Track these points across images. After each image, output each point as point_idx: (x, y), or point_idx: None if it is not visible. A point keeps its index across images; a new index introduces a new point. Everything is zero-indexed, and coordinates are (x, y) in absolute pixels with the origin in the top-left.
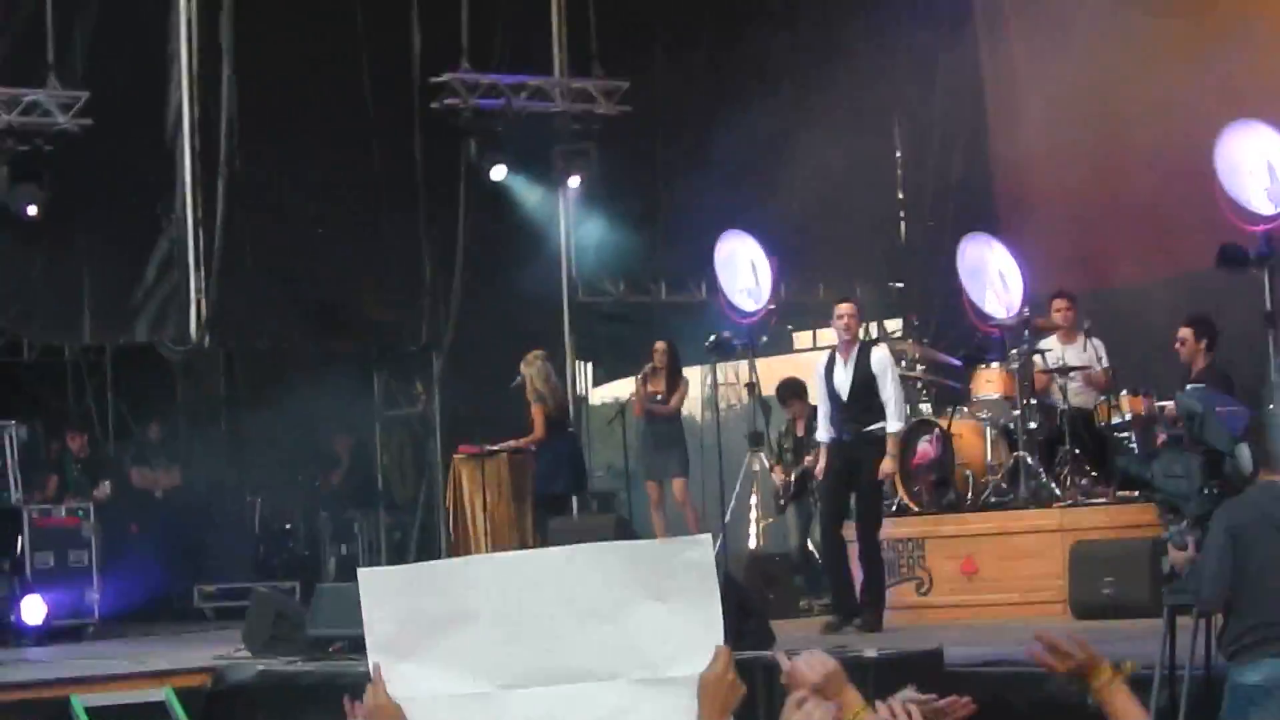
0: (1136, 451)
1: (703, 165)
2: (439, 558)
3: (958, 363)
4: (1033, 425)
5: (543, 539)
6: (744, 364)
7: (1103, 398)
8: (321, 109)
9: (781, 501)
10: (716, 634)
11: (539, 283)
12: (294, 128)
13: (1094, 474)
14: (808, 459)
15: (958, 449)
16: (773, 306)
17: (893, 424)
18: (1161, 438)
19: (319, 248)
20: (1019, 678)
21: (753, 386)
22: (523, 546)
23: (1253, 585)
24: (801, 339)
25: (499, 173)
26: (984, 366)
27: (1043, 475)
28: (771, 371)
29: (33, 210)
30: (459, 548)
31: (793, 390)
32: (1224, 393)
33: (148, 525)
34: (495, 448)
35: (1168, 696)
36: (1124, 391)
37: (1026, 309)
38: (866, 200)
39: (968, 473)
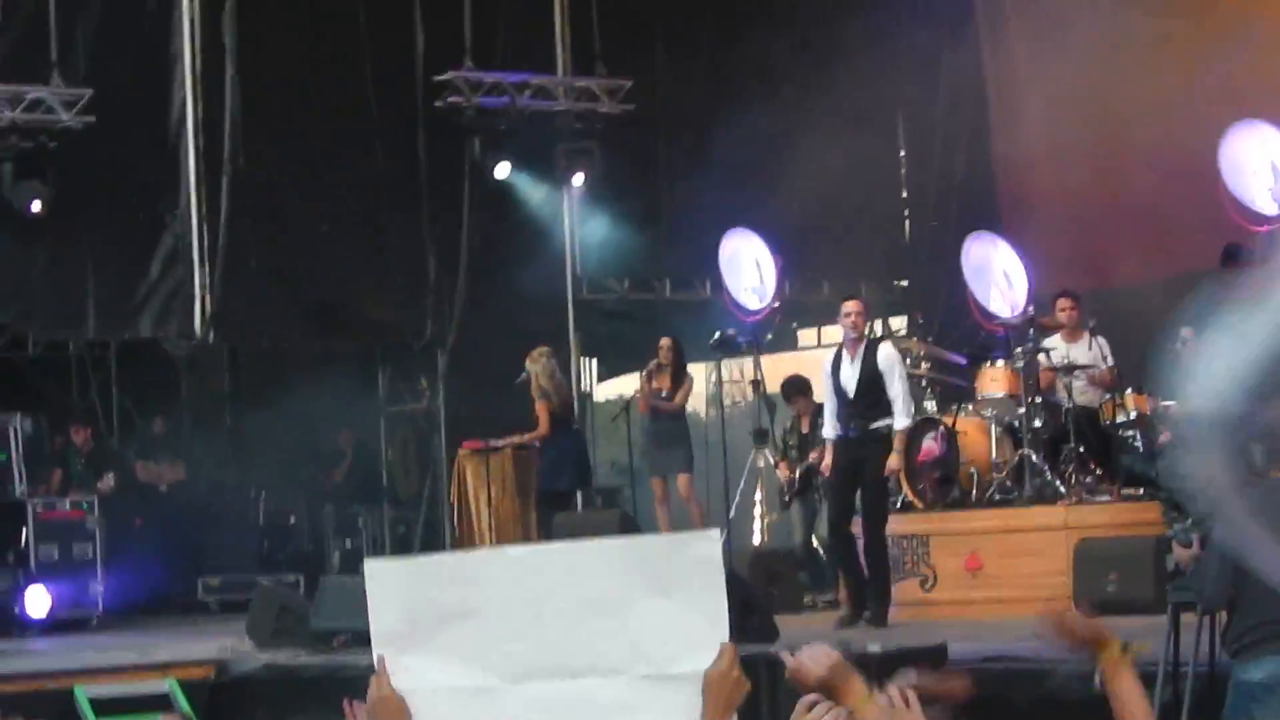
0: (1141, 450)
1: (706, 163)
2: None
3: (962, 361)
4: (1037, 423)
5: (547, 535)
6: (748, 361)
7: (1108, 396)
8: (325, 107)
9: (786, 498)
10: (722, 630)
11: (543, 280)
12: (297, 126)
13: (1098, 472)
14: (812, 455)
15: (962, 446)
16: (777, 304)
17: (900, 420)
18: (1165, 436)
19: (323, 245)
20: (1022, 674)
21: (757, 383)
22: (526, 542)
23: (1257, 583)
24: (806, 336)
25: (502, 171)
26: (989, 365)
27: (1047, 473)
28: (776, 368)
29: (37, 207)
30: (463, 543)
31: (797, 387)
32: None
33: (152, 519)
34: (500, 443)
35: (1171, 693)
36: (1129, 390)
37: (1031, 308)
38: (870, 198)
39: (972, 470)
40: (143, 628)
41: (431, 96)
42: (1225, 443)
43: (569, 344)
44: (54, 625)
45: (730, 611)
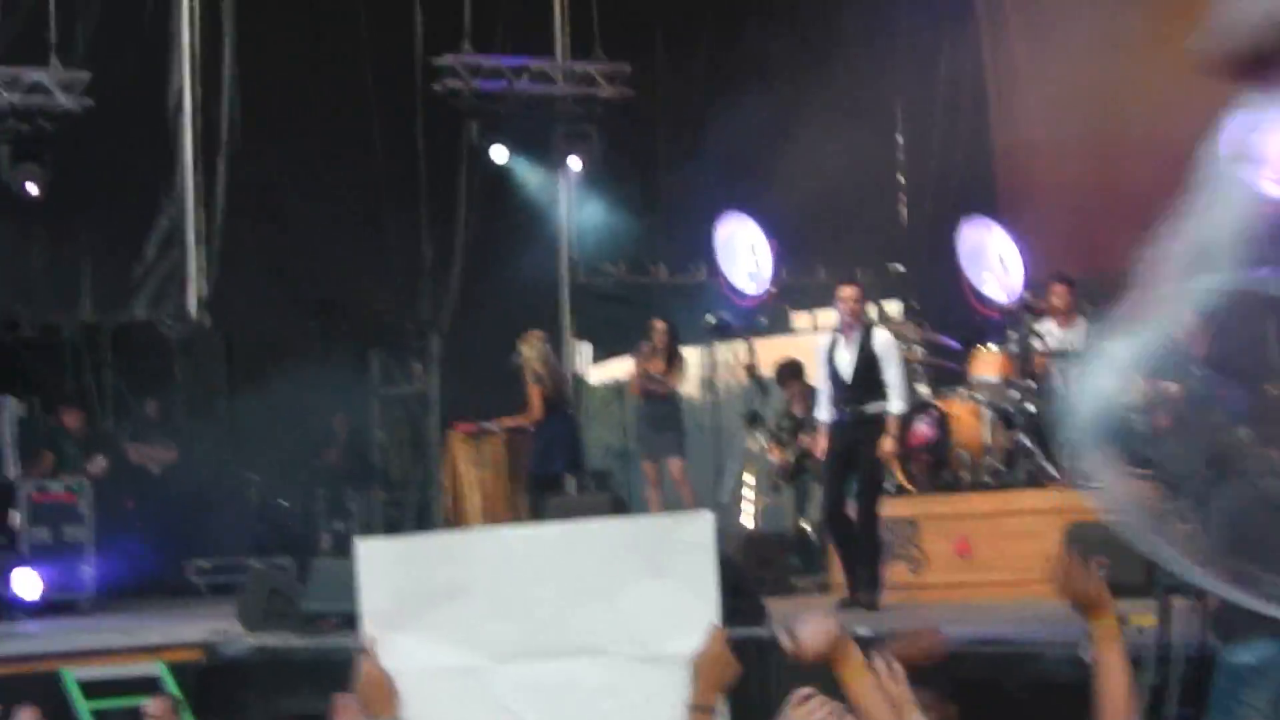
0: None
1: (704, 148)
2: None
3: (956, 345)
4: (1030, 407)
5: (538, 518)
6: (742, 345)
7: None
8: (323, 91)
9: (778, 481)
10: (712, 612)
11: (539, 264)
12: (295, 109)
13: None
14: (805, 439)
15: (955, 430)
16: (772, 289)
17: (895, 405)
18: (1162, 420)
19: (318, 229)
20: (1012, 657)
21: (751, 367)
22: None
23: None
24: (800, 320)
25: (500, 155)
26: (983, 349)
27: (1039, 457)
28: (770, 352)
29: (34, 189)
30: (454, 526)
31: (791, 371)
32: (1225, 374)
33: (144, 502)
34: (492, 426)
35: (1161, 676)
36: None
37: (1026, 292)
38: (867, 183)
39: (964, 454)
40: (133, 610)
41: (429, 80)
42: (1113, 441)
43: (564, 327)
44: (44, 608)
45: (720, 594)
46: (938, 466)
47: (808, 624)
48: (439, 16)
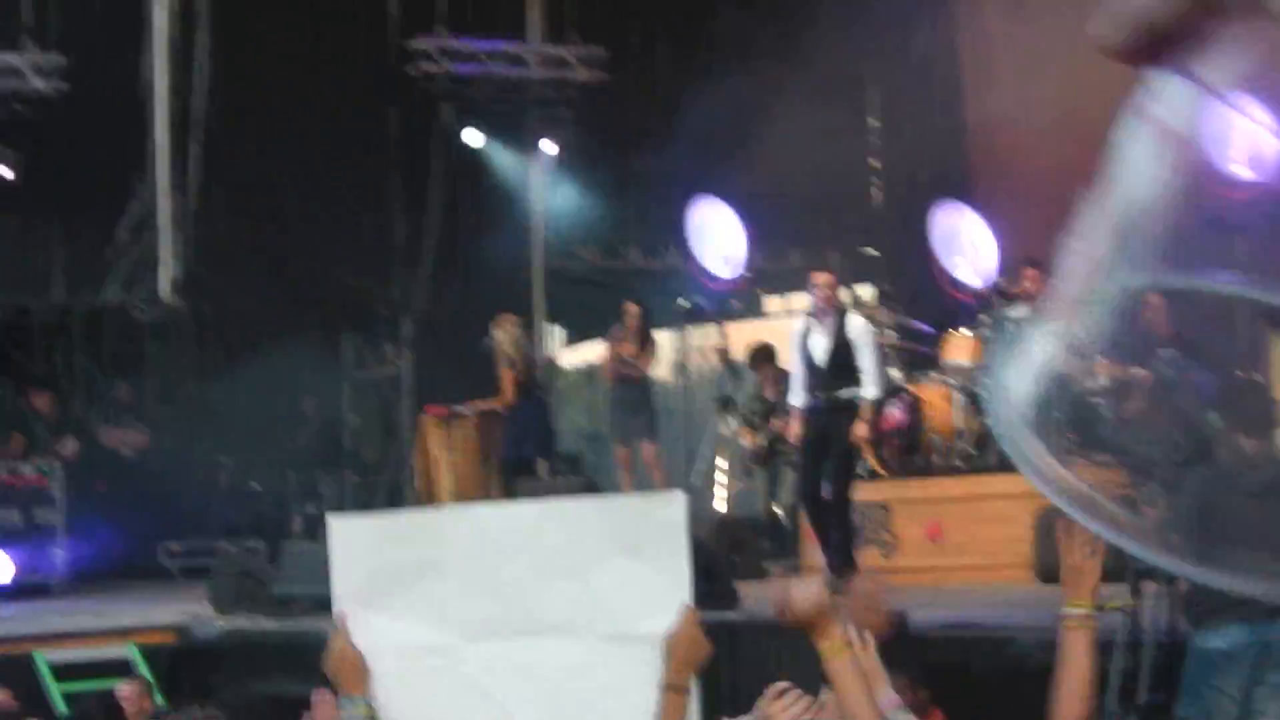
0: (1107, 417)
1: (676, 131)
2: None
3: (929, 329)
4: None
5: None
6: (714, 328)
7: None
8: (296, 74)
9: (750, 465)
10: (684, 591)
11: (511, 247)
12: (269, 92)
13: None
14: (777, 423)
15: (926, 414)
16: (746, 273)
17: (870, 391)
18: (1130, 405)
19: (291, 211)
20: (983, 641)
21: (723, 351)
22: None
23: None
24: (772, 304)
25: (474, 138)
26: (955, 333)
27: None
28: (742, 336)
29: (8, 172)
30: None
31: (762, 355)
32: (1191, 358)
33: (116, 484)
34: (464, 409)
35: (1132, 661)
36: (1099, 356)
37: (998, 277)
38: (839, 166)
39: (935, 438)
40: (105, 593)
41: (403, 63)
42: (1074, 426)
43: (536, 310)
44: (16, 591)
45: (693, 574)
46: (909, 451)
47: (800, 586)
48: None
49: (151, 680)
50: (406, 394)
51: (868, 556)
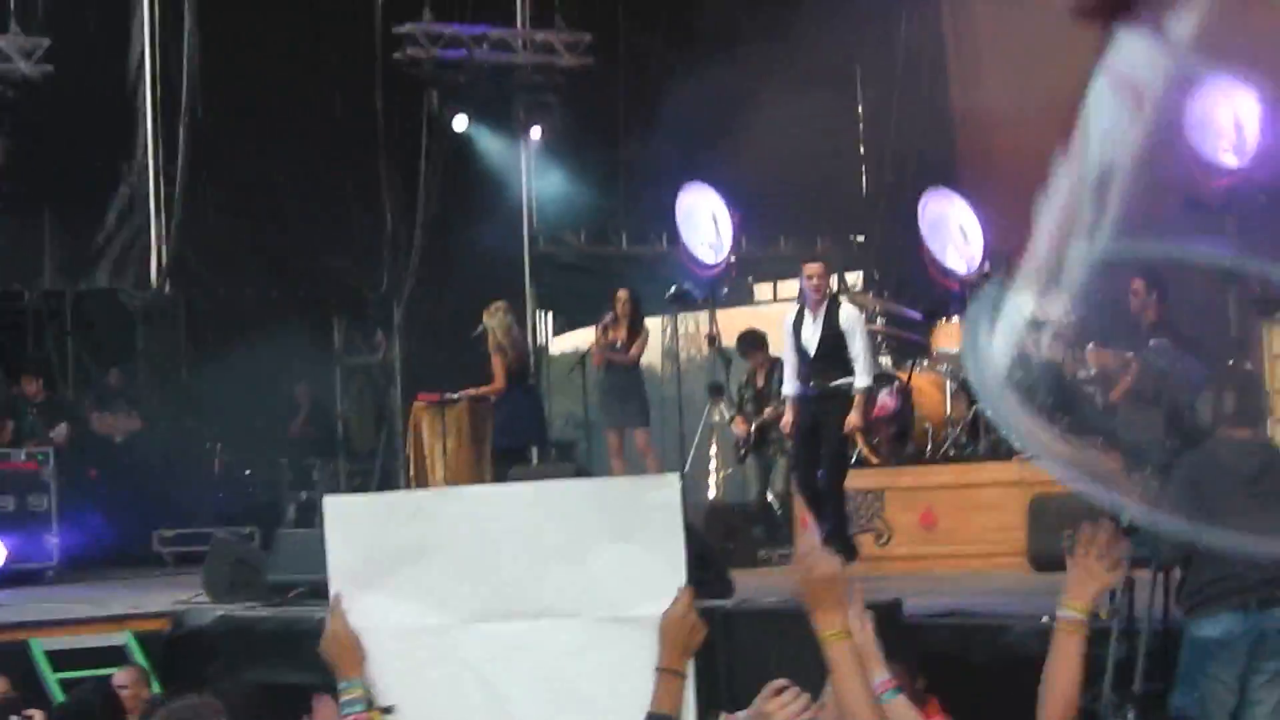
0: (1099, 405)
1: (664, 118)
2: None
3: (918, 316)
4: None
5: None
6: (704, 315)
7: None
8: (283, 59)
9: (741, 452)
10: (679, 574)
11: (500, 233)
12: (255, 77)
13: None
14: (768, 411)
15: (917, 402)
16: (733, 259)
17: (861, 379)
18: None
19: (280, 196)
20: (977, 629)
21: (713, 338)
22: None
23: None
24: (762, 290)
25: (461, 124)
26: (944, 320)
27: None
28: (732, 322)
29: None
30: None
31: (753, 341)
32: (1180, 346)
33: (107, 471)
34: (455, 396)
35: (1126, 650)
36: (1090, 345)
37: (987, 264)
38: (828, 154)
39: (927, 426)
40: (98, 580)
41: (390, 49)
42: (1066, 409)
43: (525, 297)
44: (9, 578)
45: (687, 557)
46: (901, 438)
47: (822, 555)
48: None
49: (146, 667)
50: (397, 381)
51: (861, 544)
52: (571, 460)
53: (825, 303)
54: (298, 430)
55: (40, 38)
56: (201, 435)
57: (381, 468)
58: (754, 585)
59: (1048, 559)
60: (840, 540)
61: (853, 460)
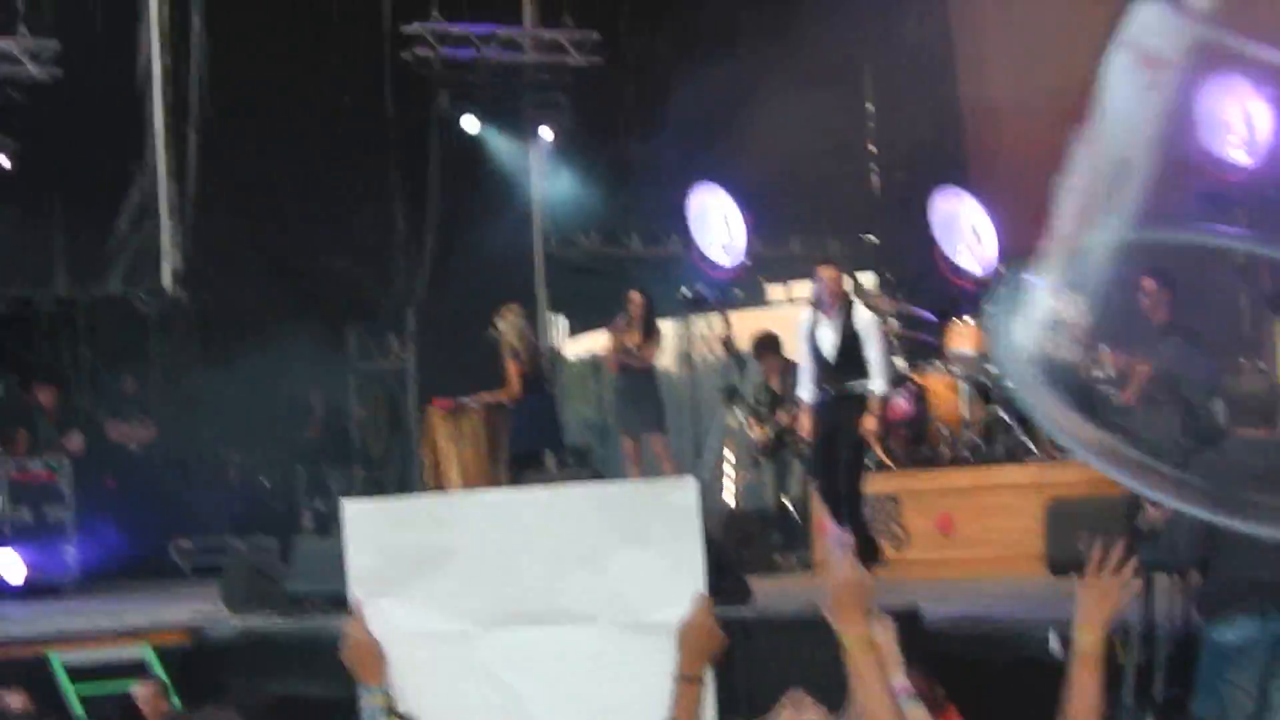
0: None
1: (675, 117)
2: None
3: (932, 317)
4: (1006, 381)
5: None
6: (718, 317)
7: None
8: (292, 60)
9: (757, 457)
10: (697, 579)
11: (511, 235)
12: (265, 79)
13: None
14: (783, 416)
15: (932, 405)
16: (746, 260)
17: (877, 384)
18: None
19: (290, 200)
20: (996, 636)
21: (727, 341)
22: None
23: (1230, 542)
24: (775, 292)
25: (470, 124)
26: (958, 321)
27: (1018, 430)
28: (745, 325)
29: (4, 161)
30: None
31: (767, 344)
32: (1193, 346)
33: (124, 479)
34: (470, 402)
35: (1147, 655)
36: (1103, 346)
37: (1000, 264)
38: (839, 153)
39: (942, 428)
40: (116, 592)
41: (398, 49)
42: (1082, 406)
43: (538, 300)
44: (27, 590)
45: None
46: (916, 441)
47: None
48: None
49: (166, 681)
50: (411, 386)
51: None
52: (588, 466)
53: (840, 306)
54: (312, 437)
55: (49, 40)
56: (215, 442)
57: (398, 475)
58: (772, 591)
59: (1065, 562)
60: (862, 542)
61: (869, 465)
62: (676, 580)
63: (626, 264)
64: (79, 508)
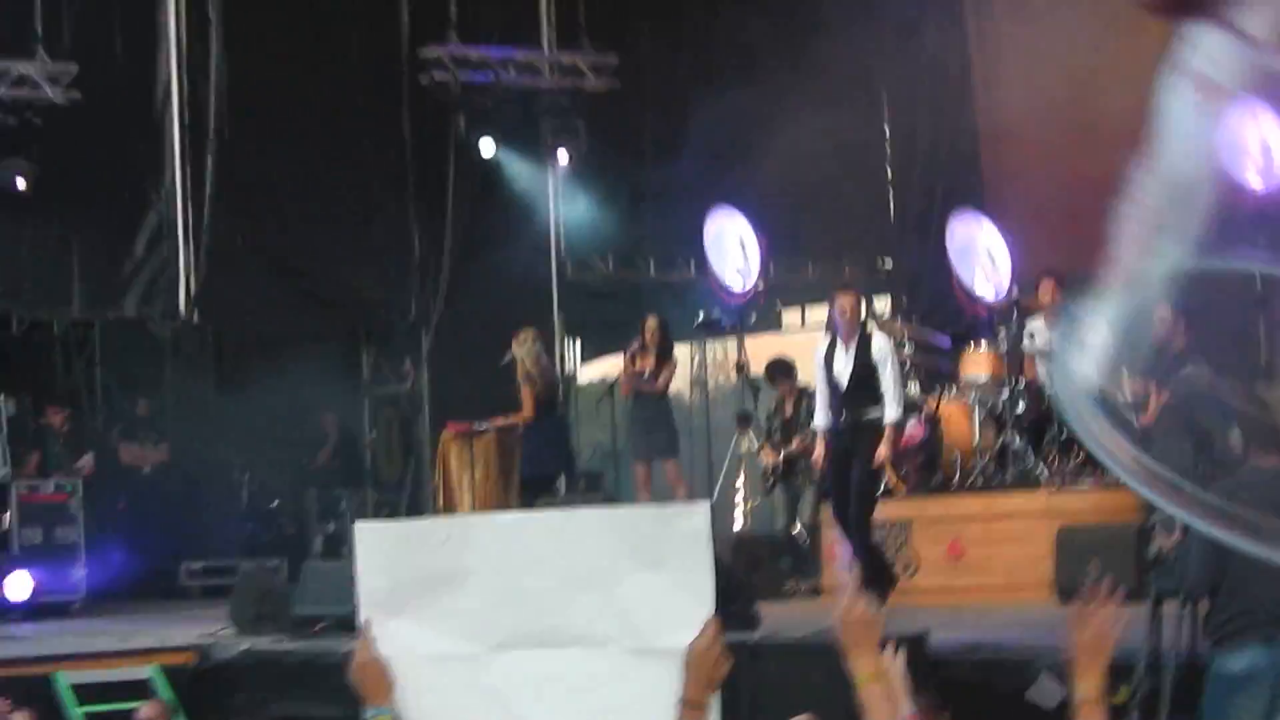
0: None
1: (692, 141)
2: None
3: (946, 343)
4: (1020, 407)
5: None
6: (732, 342)
7: None
8: (310, 84)
9: (769, 483)
10: (706, 605)
11: (528, 259)
12: (283, 102)
13: (1081, 457)
14: (796, 441)
15: (945, 431)
16: (762, 285)
17: (891, 412)
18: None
19: (307, 223)
20: (1004, 663)
21: (741, 366)
22: None
23: (1240, 570)
24: (790, 317)
25: (488, 148)
26: (972, 347)
27: (1030, 458)
28: (760, 349)
29: (21, 184)
30: None
31: (781, 370)
32: (1211, 374)
33: (136, 501)
34: (483, 426)
35: (1153, 684)
36: (1123, 370)
37: (1015, 289)
38: (855, 177)
39: (955, 454)
40: (125, 613)
41: (417, 73)
42: (1099, 412)
43: (553, 324)
44: (36, 609)
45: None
46: (928, 467)
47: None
48: (426, 8)
49: (173, 701)
50: (425, 410)
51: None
52: (599, 490)
53: (857, 334)
54: (325, 461)
55: (67, 63)
56: (228, 465)
57: (410, 499)
58: (781, 617)
59: (1075, 590)
60: (876, 571)
61: (880, 491)
62: (686, 606)
63: (642, 288)
64: (89, 529)
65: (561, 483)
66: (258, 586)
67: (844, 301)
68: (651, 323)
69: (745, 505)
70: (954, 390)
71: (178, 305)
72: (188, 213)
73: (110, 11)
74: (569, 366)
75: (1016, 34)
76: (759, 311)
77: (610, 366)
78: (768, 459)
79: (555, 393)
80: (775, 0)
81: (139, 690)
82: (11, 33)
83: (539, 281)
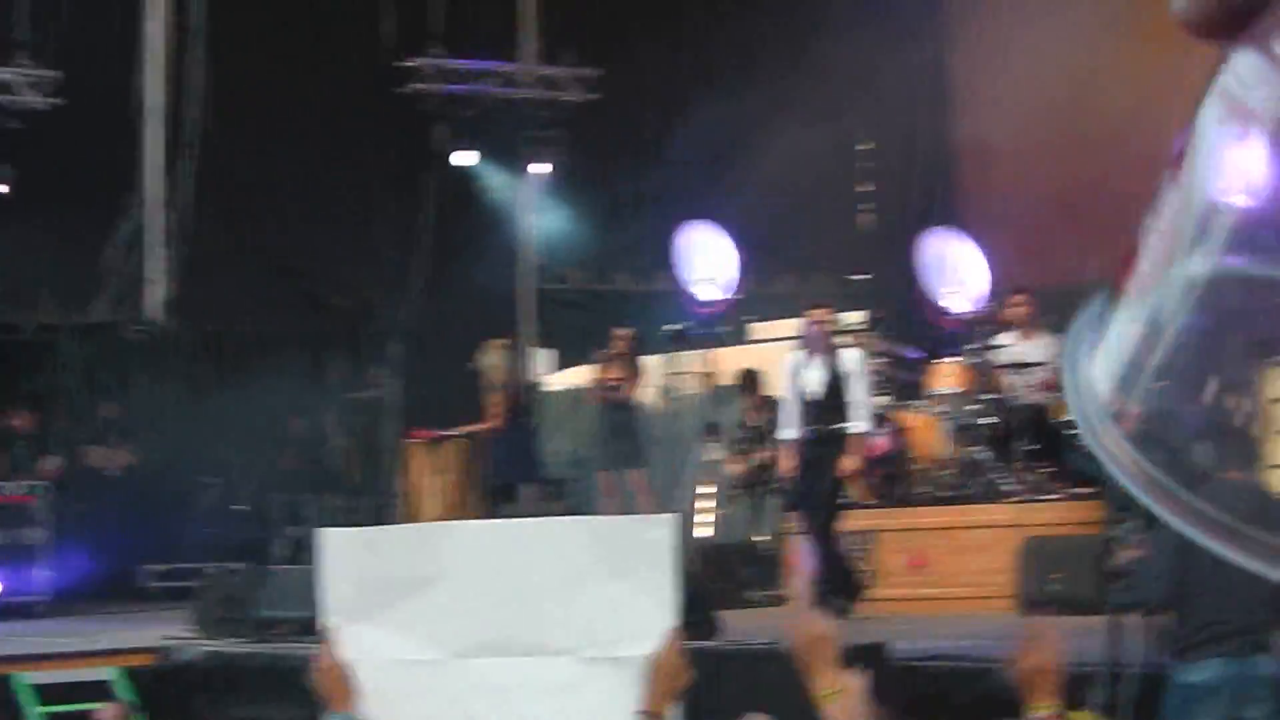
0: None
1: (667, 155)
2: None
3: (916, 355)
4: (987, 420)
5: None
6: (701, 353)
7: (1059, 394)
8: (290, 92)
9: (735, 493)
10: (669, 616)
11: (501, 268)
12: (262, 111)
13: (1048, 470)
14: (762, 452)
15: (912, 442)
16: (734, 297)
17: (858, 425)
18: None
19: (282, 230)
20: (963, 672)
21: (709, 376)
22: None
23: (1202, 585)
24: (758, 329)
25: (466, 158)
26: (942, 360)
27: (996, 470)
28: (729, 361)
29: (1, 188)
30: None
31: (749, 381)
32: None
33: (101, 504)
34: (450, 433)
35: (1112, 696)
36: None
37: (986, 304)
38: (829, 191)
39: (921, 466)
40: (88, 615)
41: (397, 82)
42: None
43: (525, 333)
44: (0, 611)
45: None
46: (895, 479)
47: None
48: (408, 18)
49: (133, 703)
50: (392, 417)
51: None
52: (562, 499)
53: (828, 348)
54: (291, 466)
55: (49, 70)
56: (194, 469)
57: (375, 505)
58: (743, 626)
59: (1036, 601)
60: (842, 579)
61: (845, 502)
62: (648, 616)
63: (615, 299)
64: (55, 531)
65: (526, 490)
66: (221, 589)
67: (817, 315)
68: (623, 333)
69: (712, 515)
70: (922, 403)
71: (148, 310)
72: (163, 219)
73: (94, 20)
74: (539, 376)
75: (994, 54)
76: (729, 323)
77: (581, 376)
78: (733, 469)
79: (524, 402)
80: (751, 18)
81: (100, 691)
82: None
83: (512, 291)
